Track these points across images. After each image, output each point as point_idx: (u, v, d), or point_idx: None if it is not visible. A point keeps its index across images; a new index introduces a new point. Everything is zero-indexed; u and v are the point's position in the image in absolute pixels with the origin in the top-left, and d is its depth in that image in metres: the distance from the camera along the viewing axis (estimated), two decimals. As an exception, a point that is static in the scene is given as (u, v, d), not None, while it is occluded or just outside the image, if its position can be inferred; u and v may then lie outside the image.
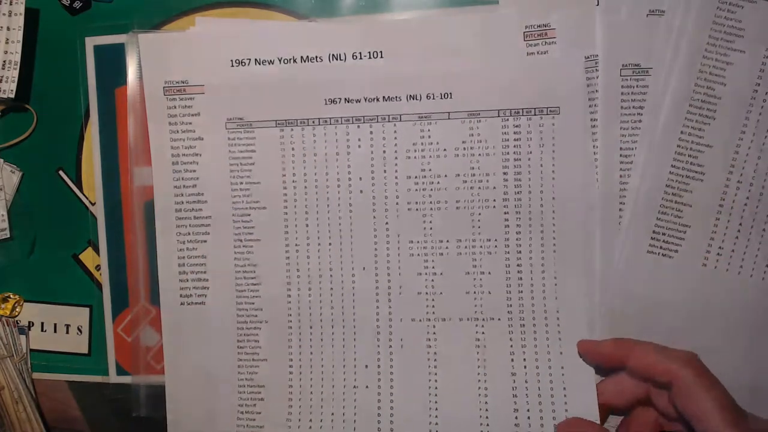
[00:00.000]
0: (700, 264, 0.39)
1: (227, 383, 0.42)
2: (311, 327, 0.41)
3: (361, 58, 0.41)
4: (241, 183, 0.41)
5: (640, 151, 0.39)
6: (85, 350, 0.44)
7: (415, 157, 0.40)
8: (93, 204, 0.43)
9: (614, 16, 0.39)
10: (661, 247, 0.39)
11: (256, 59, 0.41)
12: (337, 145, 0.40)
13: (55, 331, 0.44)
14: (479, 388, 0.40)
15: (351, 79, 0.40)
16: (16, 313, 0.44)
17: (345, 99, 0.40)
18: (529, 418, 0.39)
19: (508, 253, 0.40)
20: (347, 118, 0.40)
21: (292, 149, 0.41)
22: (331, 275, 0.41)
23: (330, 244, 0.41)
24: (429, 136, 0.40)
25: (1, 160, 0.43)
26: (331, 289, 0.41)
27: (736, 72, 0.38)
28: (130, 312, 0.43)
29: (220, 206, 0.41)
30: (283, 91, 0.41)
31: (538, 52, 0.40)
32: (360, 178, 0.40)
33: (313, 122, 0.40)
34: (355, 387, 0.41)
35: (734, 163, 0.39)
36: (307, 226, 0.41)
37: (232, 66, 0.41)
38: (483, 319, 0.40)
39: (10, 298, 0.44)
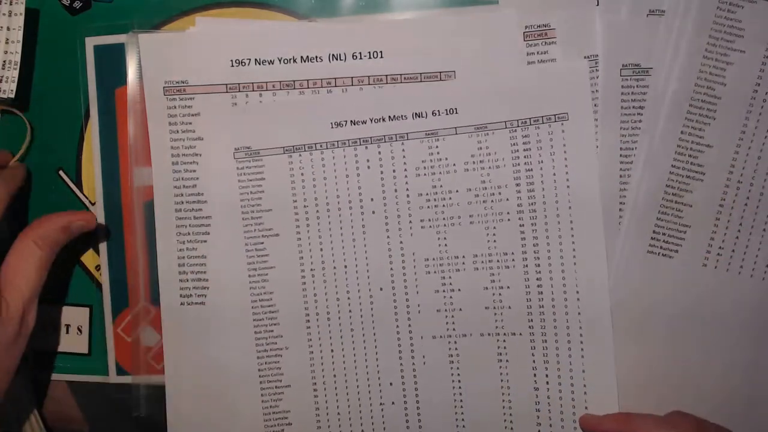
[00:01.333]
0: (701, 264, 0.39)
1: (247, 408, 0.42)
2: (332, 350, 0.41)
3: (361, 58, 0.41)
4: (253, 212, 0.41)
5: (640, 151, 0.39)
6: (85, 350, 0.44)
7: (425, 174, 0.40)
8: (93, 204, 0.43)
9: (614, 16, 0.39)
10: (661, 248, 0.39)
11: (256, 59, 0.41)
12: (346, 168, 0.40)
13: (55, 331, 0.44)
14: (503, 401, 0.40)
15: (355, 102, 0.40)
16: (16, 313, 0.44)
17: (351, 121, 0.40)
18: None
19: (527, 266, 0.40)
20: (354, 140, 0.40)
21: (302, 174, 0.41)
22: (348, 298, 0.41)
23: (345, 267, 0.41)
24: (437, 153, 0.40)
25: (1, 160, 0.43)
26: (350, 311, 0.41)
27: (737, 72, 0.38)
28: (130, 312, 0.43)
29: (231, 233, 0.41)
30: (288, 117, 0.41)
31: (538, 52, 0.40)
32: (371, 199, 0.40)
33: (321, 146, 0.40)
34: (381, 404, 0.41)
35: (734, 163, 0.39)
36: (321, 251, 0.41)
37: (232, 66, 0.41)
38: (504, 334, 0.40)
39: (10, 298, 0.44)
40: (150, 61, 0.41)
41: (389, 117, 0.40)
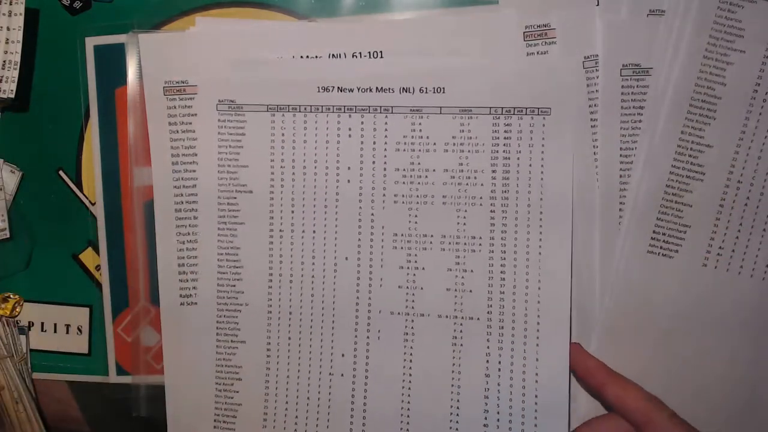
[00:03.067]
0: (700, 264, 0.39)
1: (208, 367, 0.42)
2: (290, 312, 0.41)
3: (360, 58, 0.41)
4: (229, 165, 0.41)
5: (640, 151, 0.39)
6: (85, 350, 0.44)
7: (404, 150, 0.40)
8: (93, 204, 0.43)
9: (614, 16, 0.39)
10: (661, 248, 0.39)
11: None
12: (327, 134, 0.40)
13: (55, 331, 0.44)
14: (452, 386, 0.40)
15: (346, 69, 0.40)
16: (16, 313, 0.44)
17: (338, 88, 0.40)
18: (498, 420, 0.40)
19: (492, 252, 0.40)
20: (339, 107, 0.40)
21: (282, 135, 0.41)
22: (313, 263, 0.41)
23: (314, 231, 0.41)
24: (420, 130, 0.40)
25: (1, 160, 0.43)
26: (313, 276, 0.41)
27: (737, 72, 0.38)
28: (130, 312, 0.43)
29: (207, 188, 0.41)
30: (276, 76, 0.40)
31: (538, 52, 0.40)
32: (348, 168, 0.40)
33: (305, 109, 0.40)
34: (330, 374, 0.41)
35: (734, 163, 0.39)
36: (292, 212, 0.41)
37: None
38: (462, 318, 0.40)
39: (10, 298, 0.44)
40: (150, 61, 0.41)
41: (377, 88, 0.40)
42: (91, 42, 0.43)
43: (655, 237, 0.39)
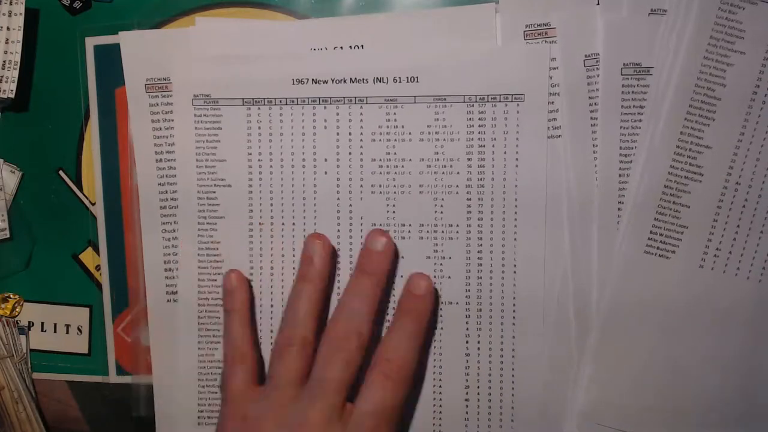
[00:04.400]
0: (698, 265, 0.39)
1: (191, 364, 0.42)
2: (272, 306, 0.41)
3: (335, 50, 0.40)
4: (207, 160, 0.41)
5: (639, 151, 0.39)
6: (85, 350, 0.44)
7: (380, 140, 0.40)
8: (93, 204, 0.43)
9: (615, 15, 0.39)
10: (658, 248, 0.39)
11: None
12: (303, 126, 0.41)
13: (55, 331, 0.44)
14: (434, 366, 0.41)
15: (320, 61, 0.40)
16: (16, 313, 0.44)
17: (312, 80, 0.40)
18: (478, 394, 0.41)
19: (470, 239, 0.40)
20: (314, 98, 0.40)
21: (259, 128, 0.41)
22: (293, 255, 0.41)
23: (294, 224, 0.41)
24: (395, 120, 0.40)
25: (1, 160, 0.43)
26: (294, 269, 0.41)
27: (737, 73, 0.38)
28: (130, 312, 0.43)
29: (186, 183, 0.41)
30: (251, 70, 0.41)
31: (537, 52, 0.40)
32: (325, 160, 0.41)
33: (280, 102, 0.40)
34: None
35: (733, 164, 0.39)
36: (271, 205, 0.41)
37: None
38: (441, 302, 0.41)
39: (10, 298, 0.44)
40: (131, 58, 0.41)
41: (351, 79, 0.40)
42: (91, 42, 0.43)
43: (652, 237, 0.39)
